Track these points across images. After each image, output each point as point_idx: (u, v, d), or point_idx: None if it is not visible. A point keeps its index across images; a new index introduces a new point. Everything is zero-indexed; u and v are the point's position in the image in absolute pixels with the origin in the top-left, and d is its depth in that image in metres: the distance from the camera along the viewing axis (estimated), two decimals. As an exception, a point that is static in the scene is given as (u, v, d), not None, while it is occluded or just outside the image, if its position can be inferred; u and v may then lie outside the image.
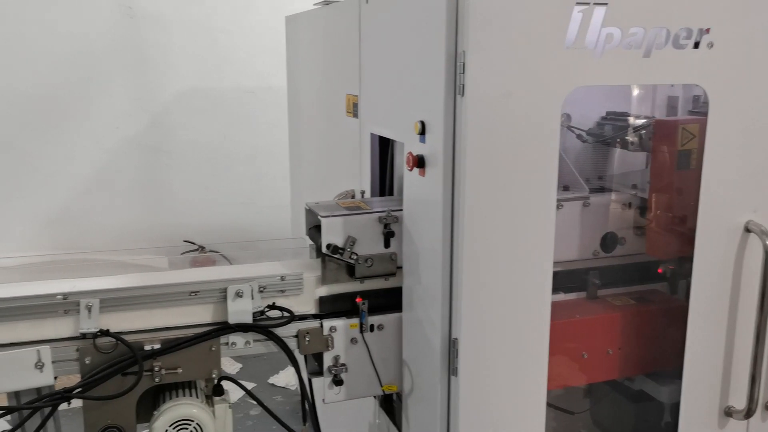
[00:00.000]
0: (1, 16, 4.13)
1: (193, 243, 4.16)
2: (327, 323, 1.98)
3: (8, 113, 4.25)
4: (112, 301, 1.82)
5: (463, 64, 1.57)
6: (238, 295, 1.90)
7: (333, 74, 2.70)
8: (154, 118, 4.56)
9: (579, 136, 2.26)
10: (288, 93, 3.60)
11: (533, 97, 1.62)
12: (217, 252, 2.62)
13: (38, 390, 1.77)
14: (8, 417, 1.79)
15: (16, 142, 4.30)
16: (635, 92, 2.29)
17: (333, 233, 1.96)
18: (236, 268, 2.06)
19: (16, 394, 1.77)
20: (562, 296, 2.07)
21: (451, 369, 1.75)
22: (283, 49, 3.57)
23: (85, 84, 4.36)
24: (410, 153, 1.79)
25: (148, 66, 4.47)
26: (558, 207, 1.71)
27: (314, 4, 2.93)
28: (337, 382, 2.01)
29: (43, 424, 1.78)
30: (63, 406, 1.78)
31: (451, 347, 1.74)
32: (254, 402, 3.62)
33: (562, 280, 2.03)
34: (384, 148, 2.31)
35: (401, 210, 1.97)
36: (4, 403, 1.77)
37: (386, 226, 1.98)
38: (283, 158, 3.83)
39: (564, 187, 2.11)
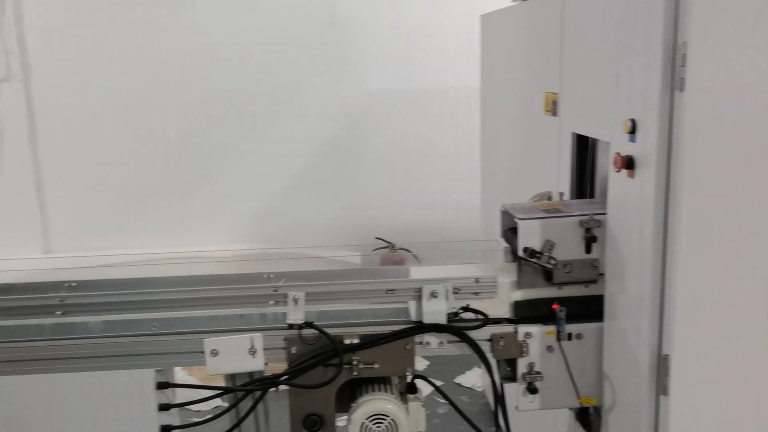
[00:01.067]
0: (213, 25, 4.56)
1: (385, 241, 4.27)
2: (522, 329, 1.93)
3: (223, 116, 4.69)
4: (315, 294, 1.92)
5: (684, 56, 1.44)
6: (433, 295, 1.91)
7: (531, 72, 2.63)
8: (351, 119, 4.78)
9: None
10: (481, 92, 3.58)
11: (764, 92, 1.45)
12: (407, 251, 2.65)
13: (250, 374, 1.91)
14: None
15: (229, 143, 4.73)
16: None
17: (530, 236, 1.90)
18: (430, 269, 2.07)
19: (232, 377, 1.93)
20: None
21: (660, 387, 1.62)
22: (475, 48, 3.55)
23: (288, 87, 4.69)
24: (618, 153, 1.69)
25: (346, 69, 4.69)
26: (790, 213, 1.52)
27: (512, 1, 2.88)
28: (532, 390, 1.95)
29: (254, 406, 1.91)
30: (271, 390, 1.90)
31: (661, 364, 1.61)
32: (442, 400, 3.67)
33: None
34: (582, 147, 2.21)
35: (604, 213, 1.86)
36: (222, 384, 1.93)
37: (588, 230, 1.88)
38: (473, 158, 3.82)
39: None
